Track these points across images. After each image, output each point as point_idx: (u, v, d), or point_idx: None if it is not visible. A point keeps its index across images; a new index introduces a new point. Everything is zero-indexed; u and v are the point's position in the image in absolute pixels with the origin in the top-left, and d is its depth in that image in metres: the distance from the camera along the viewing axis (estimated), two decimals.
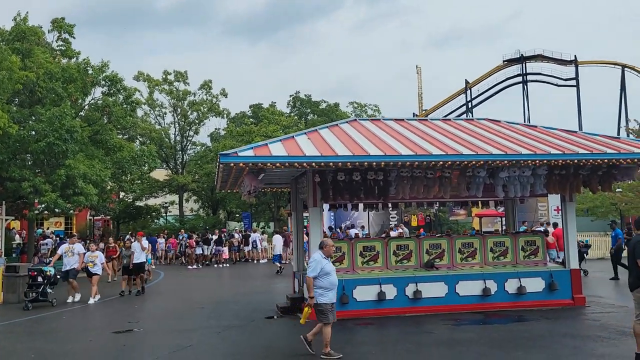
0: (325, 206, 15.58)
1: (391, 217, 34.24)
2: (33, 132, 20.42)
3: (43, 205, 21.60)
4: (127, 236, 21.08)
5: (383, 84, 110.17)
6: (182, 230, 30.44)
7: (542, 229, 18.07)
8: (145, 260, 16.32)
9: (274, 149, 10.00)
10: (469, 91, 62.42)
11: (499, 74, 62.17)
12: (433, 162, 10.16)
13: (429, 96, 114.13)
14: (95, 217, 38.20)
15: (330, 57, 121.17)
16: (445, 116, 55.59)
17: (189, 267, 25.64)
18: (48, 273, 13.97)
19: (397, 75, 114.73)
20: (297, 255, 13.84)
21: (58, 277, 14.33)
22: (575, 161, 10.50)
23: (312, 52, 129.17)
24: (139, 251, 15.81)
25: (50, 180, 19.94)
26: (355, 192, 10.75)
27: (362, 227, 29.61)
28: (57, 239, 29.50)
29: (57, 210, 22.10)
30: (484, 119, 13.85)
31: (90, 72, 22.95)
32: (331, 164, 9.87)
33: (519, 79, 61.09)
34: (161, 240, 28.97)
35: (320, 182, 10.72)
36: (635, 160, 10.57)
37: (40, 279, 13.77)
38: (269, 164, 9.56)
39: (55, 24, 23.82)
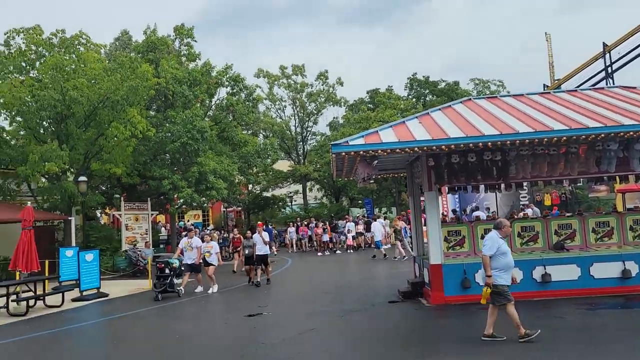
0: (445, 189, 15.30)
1: (522, 197, 32.48)
2: (169, 134, 22.41)
3: (181, 200, 23.69)
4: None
5: (508, 57, 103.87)
6: (312, 219, 31.30)
7: None
8: (267, 253, 16.20)
9: (384, 136, 10.04)
10: (607, 55, 56.73)
11: None
12: (555, 138, 9.54)
13: (560, 65, 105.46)
14: (228, 209, 41.00)
15: (448, 34, 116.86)
16: (580, 84, 51.24)
17: (319, 254, 26.20)
18: (174, 265, 14.47)
19: (523, 46, 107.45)
20: (417, 240, 13.77)
21: (182, 269, 14.88)
22: None
23: (429, 31, 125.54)
24: (261, 243, 15.81)
25: (185, 177, 21.82)
26: (471, 174, 10.45)
27: (488, 209, 28.48)
28: (197, 230, 32.20)
29: (193, 204, 24.01)
30: (617, 87, 12.64)
31: (213, 74, 24.56)
32: (443, 146, 9.68)
33: None
34: (291, 229, 30.15)
35: (434, 165, 10.57)
36: None
37: (167, 270, 14.31)
38: (379, 151, 9.62)
39: (177, 31, 25.80)
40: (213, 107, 26.76)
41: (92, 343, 9.89)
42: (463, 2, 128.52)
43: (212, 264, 15.28)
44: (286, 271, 20.28)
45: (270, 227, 28.92)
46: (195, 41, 26.18)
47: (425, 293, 11.74)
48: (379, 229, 23.59)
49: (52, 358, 8.74)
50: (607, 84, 46.28)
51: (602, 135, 9.46)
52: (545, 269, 10.73)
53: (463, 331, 8.62)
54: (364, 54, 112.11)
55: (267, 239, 16.04)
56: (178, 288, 14.42)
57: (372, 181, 29.58)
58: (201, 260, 15.29)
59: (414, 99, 44.87)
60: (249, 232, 17.15)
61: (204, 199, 22.59)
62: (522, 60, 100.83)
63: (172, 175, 22.11)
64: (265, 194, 40.29)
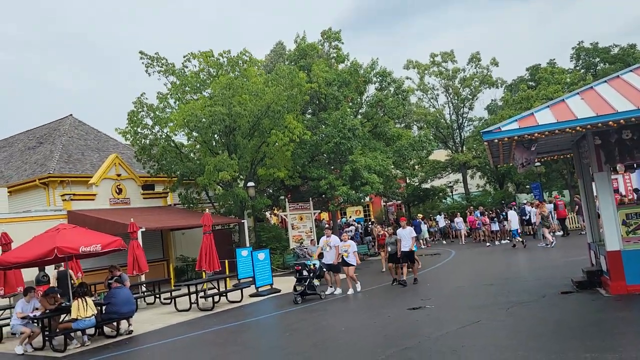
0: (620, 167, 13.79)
1: None
2: (323, 135, 23.44)
3: (342, 199, 24.62)
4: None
5: None
6: (481, 207, 30.04)
7: None
8: (412, 249, 15.21)
9: (540, 117, 9.41)
10: None
11: None
12: None
13: None
14: (388, 203, 41.39)
15: None
16: None
17: (487, 244, 25.02)
18: (312, 266, 14.21)
19: None
20: (591, 224, 12.64)
21: (324, 270, 14.56)
22: None
23: None
24: (406, 239, 14.99)
25: (341, 175, 22.64)
26: None
27: None
28: (359, 225, 33.13)
29: (353, 200, 24.78)
30: None
31: (361, 72, 25.05)
32: (610, 122, 8.78)
33: None
34: (458, 220, 29.38)
35: (601, 144, 9.67)
36: None
37: (305, 272, 14.07)
38: (535, 134, 9.06)
39: (324, 35, 26.75)
40: (363, 104, 27.29)
41: (270, 333, 10.84)
42: None
43: (351, 264, 14.64)
44: (449, 263, 19.95)
45: (417, 220, 28.29)
46: (342, 43, 26.96)
47: (603, 282, 10.77)
48: (515, 217, 23.45)
49: (240, 344, 9.77)
50: None
51: None
52: None
53: None
54: (523, 30, 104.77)
55: (413, 234, 15.28)
56: (323, 291, 14.21)
57: (538, 164, 27.68)
58: (340, 260, 14.73)
59: (582, 70, 40.86)
60: (390, 228, 16.48)
61: (360, 195, 23.17)
62: None
63: (328, 174, 23.09)
64: (424, 185, 39.87)
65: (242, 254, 16.46)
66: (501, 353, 7.17)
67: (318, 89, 23.74)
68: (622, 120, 8.73)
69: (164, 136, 22.29)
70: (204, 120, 20.45)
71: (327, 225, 15.98)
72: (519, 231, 23.49)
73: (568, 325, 8.31)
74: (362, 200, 27.41)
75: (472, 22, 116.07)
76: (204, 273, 15.92)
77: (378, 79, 25.46)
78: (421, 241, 27.65)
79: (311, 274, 14.04)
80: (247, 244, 20.87)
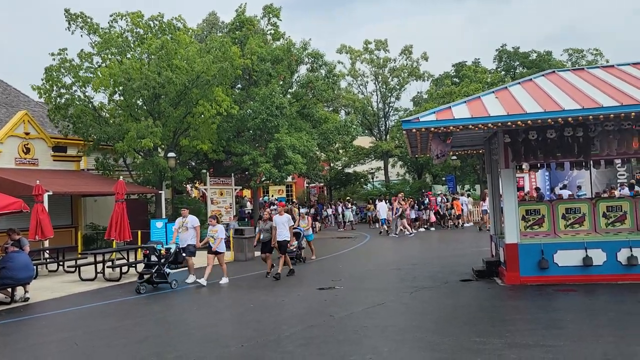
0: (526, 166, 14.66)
1: (619, 175, 30.33)
2: (250, 111, 23.16)
3: (263, 177, 24.52)
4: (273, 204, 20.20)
5: (614, 25, 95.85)
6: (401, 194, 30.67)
7: None
8: (287, 238, 13.49)
9: (457, 112, 9.83)
10: None
11: None
12: None
13: None
14: (310, 185, 41.78)
15: (550, 2, 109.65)
16: None
17: (405, 232, 25.63)
18: (163, 251, 12.38)
19: (635, 10, 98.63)
20: (494, 218, 13.42)
21: (184, 255, 12.96)
22: None
23: (528, 1, 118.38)
24: (284, 226, 13.39)
25: (265, 153, 22.55)
26: (550, 151, 10.03)
27: (580, 188, 26.90)
28: (304, 203, 33.24)
29: (275, 179, 24.76)
30: None
31: (294, 51, 24.92)
32: (519, 122, 9.32)
33: None
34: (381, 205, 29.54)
35: (510, 142, 10.24)
36: None
37: (154, 257, 12.16)
38: (450, 127, 9.46)
39: (265, 10, 26.35)
40: (294, 84, 27.20)
41: (175, 306, 10.67)
42: None
43: (219, 252, 12.90)
44: (363, 247, 20.51)
45: (320, 204, 28.85)
46: (280, 20, 26.63)
47: (500, 272, 11.50)
48: (384, 207, 26.22)
49: (146, 315, 9.55)
50: None
51: None
52: (631, 250, 10.14)
53: (534, 312, 8.41)
54: (454, 27, 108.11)
55: (290, 222, 13.70)
56: (175, 280, 12.42)
57: (454, 157, 28.97)
58: (203, 245, 13.28)
59: (502, 72, 42.86)
60: (266, 213, 14.77)
61: (283, 174, 23.19)
62: (631, 28, 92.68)
63: (252, 151, 22.91)
64: (346, 170, 40.55)
65: (156, 226, 16.05)
66: (400, 334, 7.50)
67: (251, 65, 23.36)
68: (529, 121, 9.29)
69: (82, 96, 21.14)
70: (136, 82, 19.53)
71: (185, 208, 14.07)
72: (387, 220, 25.96)
73: (464, 311, 8.82)
74: (285, 180, 27.46)
75: (409, 14, 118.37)
76: (113, 242, 15.37)
77: (310, 60, 25.44)
78: (344, 223, 28.34)
79: (162, 260, 12.16)
80: (164, 216, 20.33)
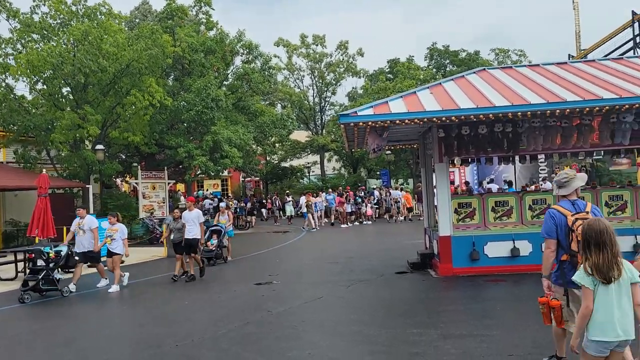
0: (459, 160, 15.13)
1: (540, 170, 31.98)
2: (184, 103, 22.53)
3: (199, 170, 23.96)
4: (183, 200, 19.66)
5: (535, 27, 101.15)
6: (339, 189, 30.87)
7: None
8: (197, 237, 12.39)
9: (394, 106, 9.94)
10: (636, 24, 54.80)
11: None
12: (568, 110, 9.33)
13: (588, 35, 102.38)
14: (246, 179, 41.32)
15: (478, 5, 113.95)
16: (607, 55, 49.69)
17: (342, 225, 25.93)
18: (52, 254, 10.87)
19: (552, 17, 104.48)
20: (428, 212, 13.74)
21: (76, 258, 11.46)
22: None
23: (460, 2, 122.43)
24: (194, 223, 12.36)
25: (200, 146, 22.03)
26: (481, 146, 10.34)
27: (506, 181, 28.13)
28: (215, 199, 32.57)
29: (211, 172, 24.25)
30: (637, 57, 12.25)
31: (227, 42, 24.46)
32: (453, 117, 9.54)
33: None
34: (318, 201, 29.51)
35: (444, 137, 10.46)
36: None
37: (41, 262, 10.83)
38: (387, 122, 9.55)
39: None
40: (230, 76, 26.72)
41: (103, 306, 10.18)
42: None
43: (116, 253, 11.56)
44: (300, 241, 20.49)
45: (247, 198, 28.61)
46: (213, 9, 26.05)
47: (434, 264, 11.78)
48: (304, 202, 26.39)
49: (68, 317, 9.04)
50: (634, 54, 44.90)
51: (617, 106, 9.22)
52: None
53: (467, 303, 8.66)
54: (389, 25, 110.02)
55: (201, 218, 12.56)
56: (67, 286, 10.99)
57: (389, 152, 29.43)
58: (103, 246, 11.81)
59: (433, 69, 44.05)
60: (176, 210, 13.54)
61: (219, 167, 22.76)
62: (552, 29, 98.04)
63: (187, 143, 22.33)
64: (283, 164, 40.41)
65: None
66: (338, 328, 7.49)
67: (182, 54, 22.68)
68: (463, 117, 9.53)
69: (2, 84, 19.77)
70: (67, 67, 18.43)
71: (80, 208, 12.58)
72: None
73: (400, 303, 8.94)
74: (221, 174, 26.98)
75: (345, 10, 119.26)
76: (36, 239, 14.47)
77: (245, 51, 25.05)
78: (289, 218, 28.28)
79: (51, 264, 10.79)
80: (92, 211, 19.38)
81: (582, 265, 3.89)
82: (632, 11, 55.23)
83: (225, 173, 31.29)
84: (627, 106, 9.21)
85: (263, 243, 19.76)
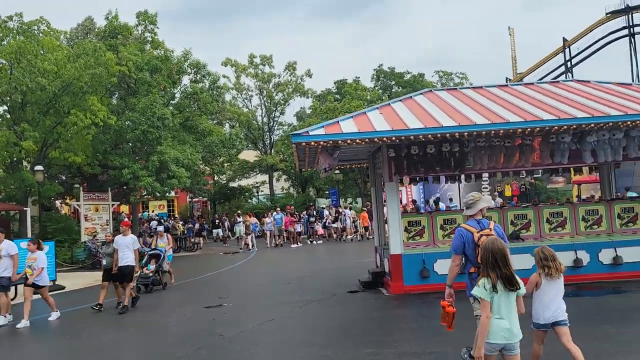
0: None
1: (483, 188, 33.06)
2: (129, 122, 21.96)
3: (145, 191, 23.29)
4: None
5: (475, 51, 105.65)
6: (291, 208, 30.68)
7: (634, 194, 16.74)
8: (132, 263, 11.25)
9: (344, 126, 10.05)
10: (567, 50, 58.15)
11: (602, 29, 57.19)
12: (511, 130, 9.73)
13: (524, 59, 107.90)
14: (194, 199, 40.54)
15: (420, 29, 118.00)
16: (541, 78, 52.36)
17: (292, 245, 25.65)
18: None
19: (490, 41, 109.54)
20: (378, 230, 13.88)
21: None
22: None
23: (403, 26, 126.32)
24: (127, 249, 11.25)
25: (146, 166, 21.46)
26: (430, 165, 10.57)
27: (451, 200, 28.91)
28: (162, 220, 31.74)
29: (157, 193, 23.63)
30: (571, 81, 12.98)
31: (174, 60, 24.16)
32: (403, 137, 9.75)
33: (625, 32, 55.84)
34: (268, 220, 29.08)
35: (394, 156, 10.64)
36: None
37: None
38: (339, 141, 9.63)
39: (139, 17, 25.19)
40: (177, 95, 26.34)
41: (43, 337, 9.65)
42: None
43: (40, 285, 10.37)
44: (250, 262, 20.21)
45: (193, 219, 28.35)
46: (158, 28, 25.66)
47: (385, 283, 11.85)
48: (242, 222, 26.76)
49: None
50: (566, 78, 47.48)
51: (556, 127, 9.69)
52: None
53: (419, 320, 8.75)
54: (336, 47, 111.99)
55: (136, 244, 11.52)
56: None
57: (337, 172, 29.66)
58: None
59: (380, 90, 45.08)
60: (108, 234, 12.76)
61: (166, 188, 22.24)
62: (490, 54, 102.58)
63: (132, 164, 21.71)
64: (231, 184, 40.00)
65: (21, 246, 14.46)
66: (292, 350, 7.40)
67: (128, 73, 22.16)
68: (412, 137, 9.74)
69: None
70: (2, 86, 17.59)
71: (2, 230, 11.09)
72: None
73: (353, 323, 8.93)
74: (167, 195, 26.36)
75: (292, 32, 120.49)
76: None
77: (192, 70, 24.78)
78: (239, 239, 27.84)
79: None
80: (29, 235, 18.44)
81: (480, 281, 4.38)
82: (563, 37, 58.69)
83: (172, 194, 30.60)
84: (565, 127, 9.69)
85: (212, 265, 19.37)
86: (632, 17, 55.25)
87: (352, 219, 29.09)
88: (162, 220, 29.96)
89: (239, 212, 29.51)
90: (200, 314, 10.39)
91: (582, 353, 5.89)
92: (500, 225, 11.95)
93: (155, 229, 24.29)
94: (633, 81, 38.37)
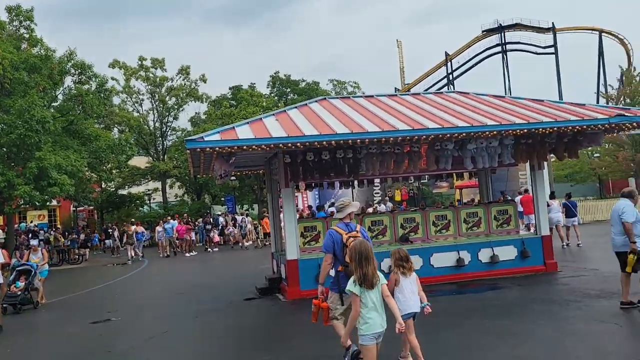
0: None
1: (375, 193, 34.34)
2: (3, 126, 20.14)
3: (22, 201, 21.43)
4: None
5: (366, 61, 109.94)
6: (185, 216, 29.76)
7: (510, 197, 18.29)
8: None
9: (240, 132, 9.97)
10: (449, 63, 62.33)
11: (479, 45, 62.11)
12: (400, 138, 10.20)
13: (411, 70, 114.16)
14: (78, 209, 38.02)
15: (314, 38, 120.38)
16: (427, 89, 55.60)
17: (187, 254, 24.89)
18: None
19: (380, 52, 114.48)
20: (275, 236, 13.91)
21: None
22: (540, 130, 10.61)
23: (297, 34, 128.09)
24: None
25: (23, 173, 19.77)
26: (325, 171, 10.79)
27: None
28: (42, 231, 29.38)
29: (36, 203, 21.86)
30: (453, 92, 13.91)
31: (56, 60, 22.57)
32: (298, 144, 9.86)
33: (498, 48, 61.04)
34: (160, 229, 27.77)
35: (290, 162, 10.73)
36: (599, 126, 10.70)
37: None
38: (235, 147, 9.54)
39: (10, 12, 23.23)
40: (60, 97, 24.59)
41: None
42: (328, 10, 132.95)
43: None
44: (140, 274, 19.34)
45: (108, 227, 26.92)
46: (35, 24, 23.82)
47: (282, 288, 11.89)
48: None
49: None
50: (449, 89, 50.87)
51: (440, 135, 10.32)
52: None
53: (316, 324, 8.81)
54: (231, 53, 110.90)
55: (0, 259, 10.75)
56: None
57: (233, 178, 29.39)
58: None
59: (276, 97, 45.32)
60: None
61: (46, 197, 20.63)
62: (380, 64, 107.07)
63: (7, 171, 19.88)
64: (120, 191, 38.05)
65: None
66: None
67: (2, 72, 20.32)
68: (307, 143, 9.89)
69: None
70: None
71: None
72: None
73: (250, 330, 8.85)
74: (48, 204, 24.47)
75: (185, 35, 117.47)
76: None
77: (77, 71, 23.26)
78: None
79: None
80: None
81: (352, 278, 4.93)
82: (445, 52, 62.89)
83: (54, 202, 28.45)
84: (448, 135, 10.36)
85: (99, 277, 18.28)
86: (504, 35, 60.51)
87: (253, 225, 28.94)
88: (40, 232, 27.83)
89: (132, 220, 28.18)
90: (86, 330, 9.75)
91: (466, 344, 6.35)
92: (392, 228, 12.56)
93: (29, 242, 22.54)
94: (506, 93, 41.95)
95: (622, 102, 35.90)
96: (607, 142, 34.98)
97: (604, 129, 11.10)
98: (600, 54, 57.04)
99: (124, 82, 38.30)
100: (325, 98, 13.35)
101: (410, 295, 5.66)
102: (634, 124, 11.04)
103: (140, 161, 38.66)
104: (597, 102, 42.88)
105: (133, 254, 23.72)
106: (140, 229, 25.86)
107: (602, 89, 50.77)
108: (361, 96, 13.52)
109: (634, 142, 35.48)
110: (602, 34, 57.22)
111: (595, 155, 40.99)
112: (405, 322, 5.47)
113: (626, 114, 10.89)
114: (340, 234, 5.88)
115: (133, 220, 27.90)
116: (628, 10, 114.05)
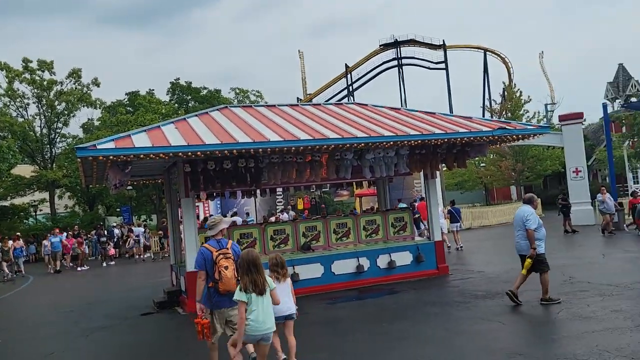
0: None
1: (277, 202, 34.41)
2: None
3: None
4: None
5: (268, 71, 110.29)
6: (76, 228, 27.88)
7: (403, 205, 19.19)
8: None
9: (137, 140, 9.58)
10: (349, 75, 64.13)
11: (376, 58, 64.42)
12: (302, 147, 10.33)
13: (313, 81, 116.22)
14: None
15: (214, 46, 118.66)
16: (328, 100, 56.84)
17: (79, 268, 23.47)
18: None
19: (282, 62, 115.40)
20: (174, 247, 13.48)
21: None
22: (433, 141, 11.23)
23: (196, 42, 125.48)
24: None
25: None
26: (226, 181, 10.67)
27: (248, 214, 29.48)
28: None
29: None
30: (353, 103, 14.34)
31: None
32: (199, 152, 9.66)
33: (395, 62, 63.77)
34: (47, 242, 25.42)
35: (190, 172, 10.49)
36: (484, 138, 11.55)
37: None
38: (131, 156, 9.15)
39: None
40: None
41: None
42: (229, 18, 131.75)
43: None
44: (26, 290, 17.87)
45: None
46: None
47: (182, 301, 11.55)
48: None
49: None
50: (349, 100, 52.41)
51: (340, 145, 10.60)
52: (294, 268, 11.49)
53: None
54: (127, 57, 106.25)
55: None
56: None
57: (130, 188, 28.12)
58: None
59: (176, 104, 44.04)
60: None
61: None
62: (281, 74, 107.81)
63: None
64: (2, 203, 34.94)
65: None
66: None
67: None
68: (208, 152, 9.72)
69: None
70: None
71: None
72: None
73: (147, 347, 8.49)
74: None
75: (76, 38, 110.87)
76: None
77: None
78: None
79: None
80: None
81: (239, 286, 5.26)
82: (345, 64, 64.68)
83: None
84: (348, 145, 10.66)
85: None
86: (400, 50, 63.43)
87: (151, 237, 27.75)
88: None
89: (18, 234, 25.89)
90: None
91: (366, 348, 6.52)
92: (294, 237, 12.65)
93: None
94: (402, 106, 43.98)
95: (504, 115, 38.91)
96: (491, 153, 37.71)
97: (489, 141, 12.01)
98: (485, 70, 61.54)
99: (6, 85, 35.40)
100: (227, 106, 13.21)
101: (286, 299, 5.88)
102: (514, 136, 12.05)
103: (25, 170, 35.82)
104: (483, 115, 46.20)
105: (8, 272, 21.82)
106: (20, 243, 23.65)
107: (487, 103, 54.73)
108: (263, 105, 13.55)
109: (515, 153, 38.60)
110: (487, 52, 61.80)
111: (482, 165, 44.09)
112: (282, 324, 5.88)
113: (507, 127, 11.86)
114: (211, 251, 5.93)
115: (18, 234, 25.61)
116: (509, 32, 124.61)
